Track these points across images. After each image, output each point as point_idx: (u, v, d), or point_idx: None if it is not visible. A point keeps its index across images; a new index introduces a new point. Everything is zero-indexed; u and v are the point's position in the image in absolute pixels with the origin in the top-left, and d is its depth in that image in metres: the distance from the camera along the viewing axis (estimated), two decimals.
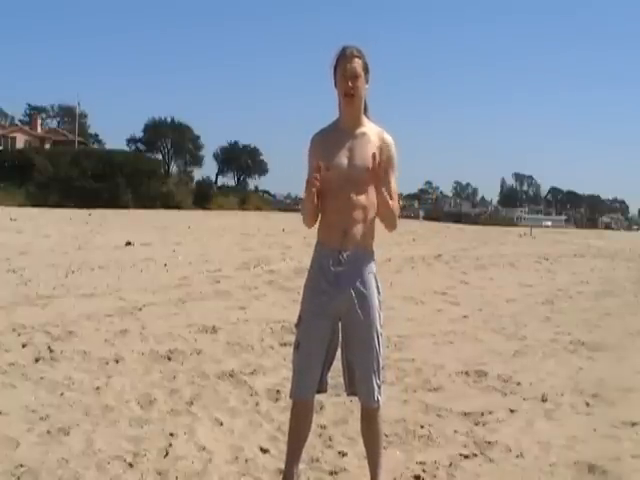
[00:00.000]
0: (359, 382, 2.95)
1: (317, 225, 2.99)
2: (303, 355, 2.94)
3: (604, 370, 5.66)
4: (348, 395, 3.14)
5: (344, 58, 2.84)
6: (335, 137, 2.91)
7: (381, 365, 2.98)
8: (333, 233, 2.86)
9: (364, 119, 2.95)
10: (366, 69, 2.87)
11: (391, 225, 2.95)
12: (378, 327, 2.93)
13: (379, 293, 2.96)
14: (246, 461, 3.45)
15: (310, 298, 2.94)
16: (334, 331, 2.94)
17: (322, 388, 3.02)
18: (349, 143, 2.89)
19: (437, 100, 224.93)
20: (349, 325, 2.91)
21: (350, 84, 2.82)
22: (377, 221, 2.97)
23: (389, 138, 2.95)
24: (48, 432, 3.65)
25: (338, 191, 2.84)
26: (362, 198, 2.85)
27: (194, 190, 58.56)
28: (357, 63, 2.84)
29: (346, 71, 2.83)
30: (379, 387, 2.96)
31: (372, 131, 2.93)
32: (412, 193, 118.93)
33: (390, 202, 2.86)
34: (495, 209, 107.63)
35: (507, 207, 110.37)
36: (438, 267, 14.32)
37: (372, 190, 2.88)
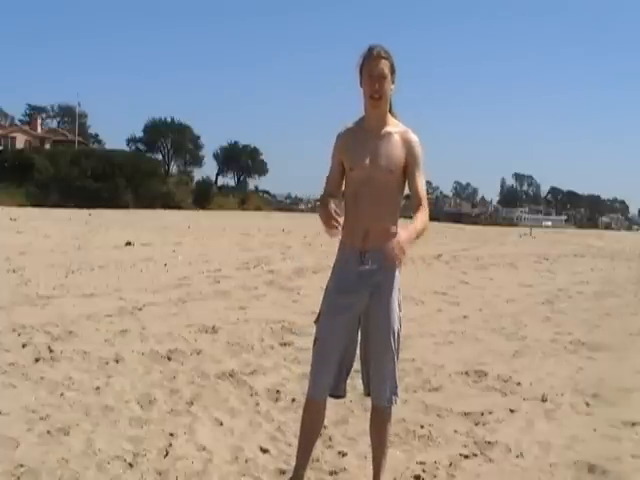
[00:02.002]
0: (374, 381, 2.95)
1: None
2: (320, 352, 2.93)
3: (604, 370, 5.66)
4: (366, 395, 3.10)
5: (370, 59, 2.81)
6: (360, 137, 2.89)
7: (397, 365, 2.97)
8: (355, 233, 2.85)
9: (389, 118, 2.92)
10: (392, 70, 2.84)
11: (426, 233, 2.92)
12: (396, 327, 2.93)
13: (399, 292, 2.96)
14: (246, 461, 3.44)
15: (331, 296, 2.93)
16: (353, 332, 2.93)
17: (339, 393, 3.00)
18: (373, 144, 2.87)
19: (437, 100, 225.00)
20: (369, 325, 2.91)
21: (377, 86, 2.80)
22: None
23: (414, 137, 2.91)
24: (48, 432, 3.65)
25: (361, 191, 2.84)
26: (384, 198, 2.84)
27: (194, 190, 58.64)
28: (384, 64, 2.80)
29: (372, 72, 2.80)
30: (394, 387, 2.96)
31: (397, 131, 2.90)
32: None
33: (421, 228, 2.76)
34: (495, 209, 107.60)
35: (507, 207, 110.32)
36: (438, 267, 14.32)
37: (395, 190, 2.88)
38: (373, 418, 3.05)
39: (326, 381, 2.93)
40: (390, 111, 2.93)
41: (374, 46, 2.84)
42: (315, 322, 3.01)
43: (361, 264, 2.84)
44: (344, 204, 2.91)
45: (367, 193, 2.84)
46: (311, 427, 3.02)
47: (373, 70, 2.80)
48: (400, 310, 2.96)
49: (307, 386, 3.02)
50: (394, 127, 2.91)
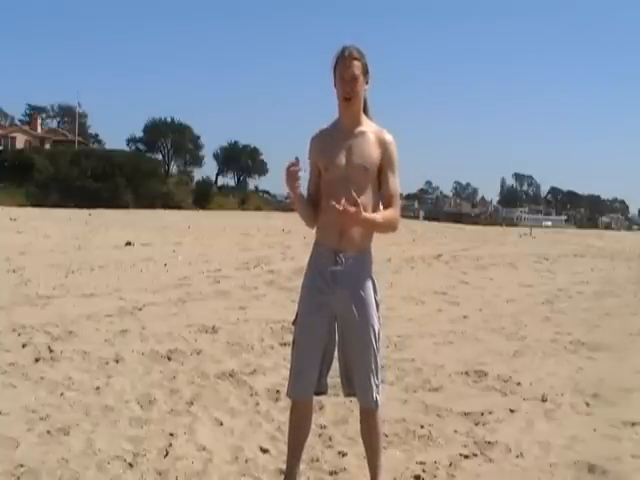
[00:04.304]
0: (357, 382, 2.94)
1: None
2: (300, 352, 2.94)
3: (604, 370, 5.66)
4: (345, 396, 3.14)
5: (342, 60, 2.81)
6: (334, 137, 2.90)
7: (379, 365, 2.97)
8: (331, 233, 2.85)
9: (363, 118, 2.93)
10: (365, 70, 2.84)
11: (390, 232, 2.94)
12: (375, 327, 2.92)
13: (376, 293, 2.96)
14: (246, 461, 3.45)
15: (307, 297, 2.94)
16: (331, 331, 2.94)
17: (322, 390, 3.02)
18: (348, 142, 2.87)
19: (437, 100, 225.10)
20: (346, 325, 2.91)
21: (348, 88, 2.81)
22: None
23: (389, 137, 2.92)
24: (48, 432, 3.65)
25: (336, 190, 2.82)
26: (360, 198, 2.82)
27: (194, 190, 58.56)
28: (355, 66, 2.80)
29: (344, 74, 2.80)
30: (377, 387, 2.95)
31: (371, 130, 2.91)
32: (412, 193, 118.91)
33: (380, 221, 2.80)
34: (495, 209, 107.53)
35: (507, 207, 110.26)
36: (438, 267, 14.32)
37: (370, 189, 2.87)
38: (362, 420, 3.06)
39: (309, 381, 2.94)
40: (365, 111, 2.93)
41: (347, 47, 2.84)
42: (293, 323, 3.02)
43: (336, 264, 2.84)
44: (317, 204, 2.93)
45: (343, 192, 2.79)
46: (299, 428, 3.04)
47: (344, 72, 2.80)
48: (378, 310, 2.95)
49: (287, 388, 3.02)
50: (368, 127, 2.92)
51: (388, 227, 2.88)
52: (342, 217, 2.65)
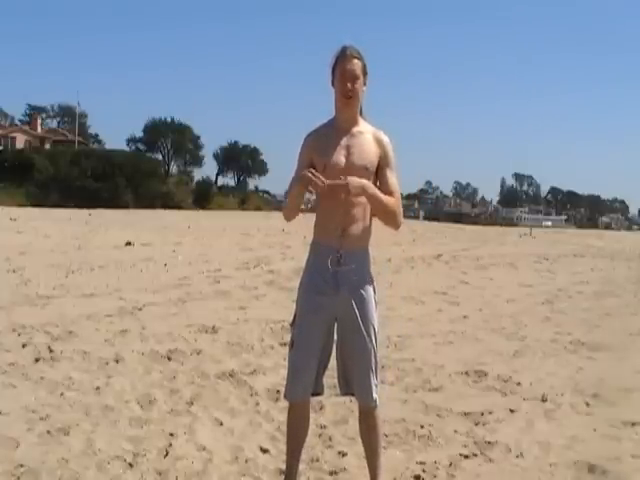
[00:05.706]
0: (356, 382, 2.94)
1: (313, 223, 2.97)
2: (298, 354, 2.93)
3: (604, 370, 5.66)
4: (342, 395, 3.14)
5: (344, 59, 2.82)
6: (332, 136, 2.90)
7: (378, 364, 2.97)
8: (331, 232, 2.85)
9: (360, 119, 2.95)
10: (364, 71, 2.86)
11: (393, 223, 2.91)
12: (375, 326, 2.93)
13: (375, 293, 2.96)
14: (246, 461, 3.45)
15: (306, 297, 2.93)
16: (330, 331, 2.93)
17: (319, 390, 3.01)
18: (346, 141, 2.87)
19: (437, 100, 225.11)
20: (346, 324, 2.90)
21: (349, 86, 2.81)
22: (375, 219, 2.95)
23: (385, 137, 2.94)
24: (48, 432, 3.65)
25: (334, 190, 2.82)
26: (360, 197, 2.83)
27: (194, 190, 58.58)
28: (356, 65, 2.82)
29: (345, 72, 2.81)
30: (376, 386, 2.96)
31: (368, 130, 2.93)
32: (412, 193, 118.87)
33: (383, 198, 2.82)
34: (495, 209, 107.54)
35: (507, 207, 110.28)
36: (438, 267, 14.32)
37: None
38: (362, 420, 3.06)
39: (308, 382, 2.93)
40: (360, 113, 2.95)
41: (347, 46, 2.86)
42: (291, 325, 3.01)
43: (338, 264, 2.83)
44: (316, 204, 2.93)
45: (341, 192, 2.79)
46: (298, 429, 3.04)
47: (346, 70, 2.81)
48: (376, 310, 2.95)
49: (285, 390, 3.03)
50: (365, 127, 2.93)
51: (389, 211, 2.86)
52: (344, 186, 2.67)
